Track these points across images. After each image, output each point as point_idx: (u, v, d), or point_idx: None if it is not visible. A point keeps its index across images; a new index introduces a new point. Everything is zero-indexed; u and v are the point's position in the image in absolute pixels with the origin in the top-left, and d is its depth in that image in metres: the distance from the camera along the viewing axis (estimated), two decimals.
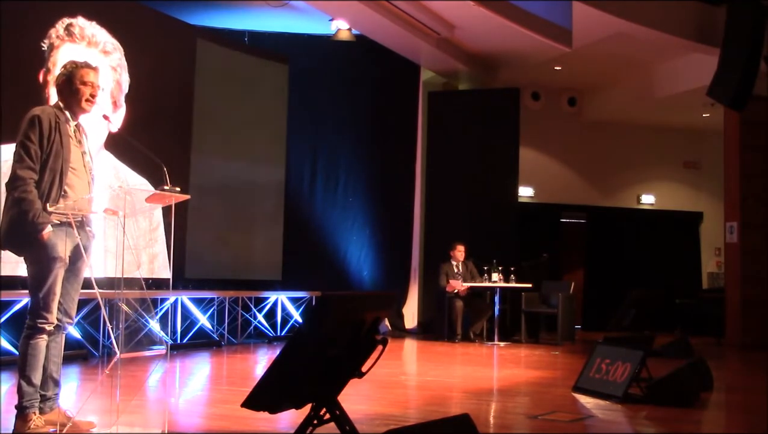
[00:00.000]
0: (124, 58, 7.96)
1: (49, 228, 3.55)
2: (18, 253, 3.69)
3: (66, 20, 7.36)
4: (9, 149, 6.16)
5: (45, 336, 3.63)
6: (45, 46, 7.16)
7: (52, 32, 7.23)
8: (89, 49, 7.55)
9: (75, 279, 3.77)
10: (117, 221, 3.87)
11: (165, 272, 8.29)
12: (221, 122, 9.35)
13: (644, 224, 13.57)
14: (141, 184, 7.62)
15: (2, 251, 3.95)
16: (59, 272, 3.62)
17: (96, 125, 6.45)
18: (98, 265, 6.80)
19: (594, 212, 13.40)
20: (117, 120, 7.76)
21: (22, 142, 3.59)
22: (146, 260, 8.08)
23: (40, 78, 7.10)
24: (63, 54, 7.24)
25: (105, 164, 7.53)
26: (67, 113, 3.74)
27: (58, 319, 3.68)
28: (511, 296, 10.13)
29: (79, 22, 7.49)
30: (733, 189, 10.49)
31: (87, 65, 3.80)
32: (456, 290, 9.76)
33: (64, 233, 3.62)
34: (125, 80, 7.99)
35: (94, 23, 7.61)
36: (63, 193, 3.62)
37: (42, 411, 3.66)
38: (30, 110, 3.66)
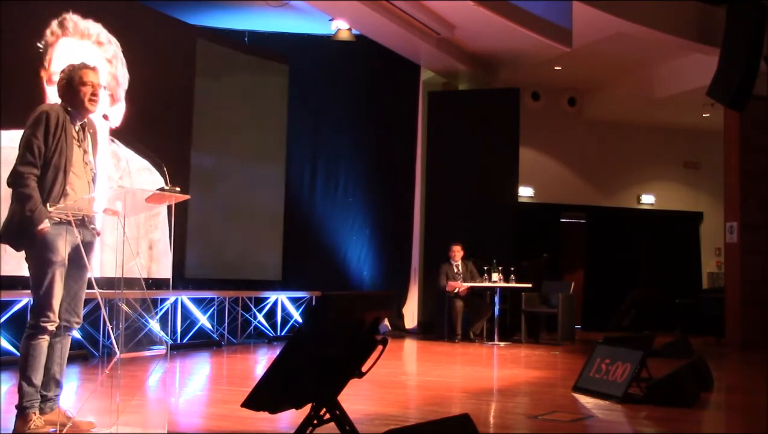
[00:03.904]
0: (121, 53, 7.90)
1: (46, 223, 3.55)
2: (15, 247, 3.68)
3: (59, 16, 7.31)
4: (8, 136, 6.26)
5: (46, 336, 3.62)
6: (41, 46, 7.13)
7: (47, 32, 7.19)
8: (82, 41, 7.49)
9: (80, 278, 3.76)
10: (116, 219, 3.87)
11: (165, 271, 8.29)
12: (221, 122, 9.35)
13: (644, 224, 13.57)
14: (145, 170, 7.60)
15: (3, 253, 3.95)
16: (59, 271, 3.61)
17: (97, 125, 6.45)
18: (97, 259, 6.78)
19: (594, 212, 13.40)
20: (116, 114, 7.73)
21: (26, 138, 3.61)
22: (145, 247, 8.05)
23: (43, 78, 7.09)
24: (59, 50, 7.22)
25: (108, 159, 7.51)
26: (72, 115, 3.75)
27: (65, 319, 3.68)
28: (511, 296, 10.13)
29: (72, 16, 7.39)
30: (733, 189, 10.48)
31: (85, 66, 3.80)
32: (456, 290, 9.76)
33: (64, 232, 3.62)
34: (123, 75, 7.93)
35: (88, 20, 7.56)
36: (64, 191, 3.62)
37: (42, 411, 3.66)
38: (38, 107, 3.68)
